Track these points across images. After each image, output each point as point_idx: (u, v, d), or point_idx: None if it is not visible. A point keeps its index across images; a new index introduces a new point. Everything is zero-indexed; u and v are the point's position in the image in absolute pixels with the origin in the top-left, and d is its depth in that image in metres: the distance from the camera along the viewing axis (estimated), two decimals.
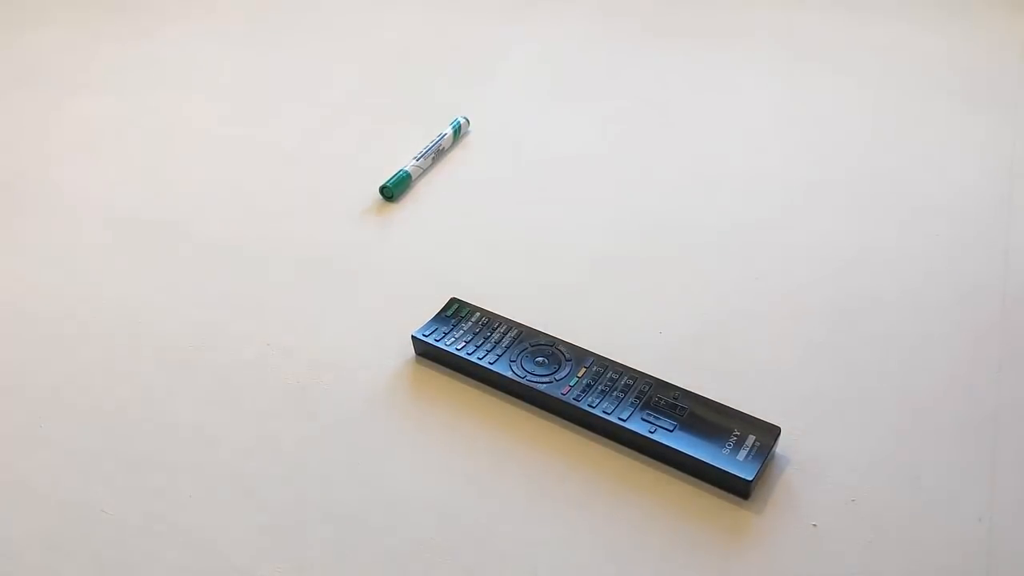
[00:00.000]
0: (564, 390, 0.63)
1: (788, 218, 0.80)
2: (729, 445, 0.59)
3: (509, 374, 0.64)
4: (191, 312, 0.73)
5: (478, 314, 0.69)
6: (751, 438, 0.59)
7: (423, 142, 0.90)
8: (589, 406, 0.61)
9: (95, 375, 0.68)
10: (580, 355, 0.65)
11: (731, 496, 0.58)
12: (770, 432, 0.59)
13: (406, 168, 0.86)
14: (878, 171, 0.85)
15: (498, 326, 0.68)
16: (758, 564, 0.54)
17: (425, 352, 0.68)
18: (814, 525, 0.56)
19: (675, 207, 0.82)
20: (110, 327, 0.72)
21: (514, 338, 0.67)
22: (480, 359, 0.65)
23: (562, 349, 0.66)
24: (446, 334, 0.67)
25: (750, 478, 0.56)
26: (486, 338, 0.67)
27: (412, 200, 0.85)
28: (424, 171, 0.88)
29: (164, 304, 0.74)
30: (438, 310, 0.70)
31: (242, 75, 1.05)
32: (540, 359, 0.65)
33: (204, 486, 0.60)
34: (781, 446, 0.60)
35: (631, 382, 0.63)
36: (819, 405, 0.64)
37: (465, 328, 0.68)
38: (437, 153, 0.89)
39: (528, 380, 0.63)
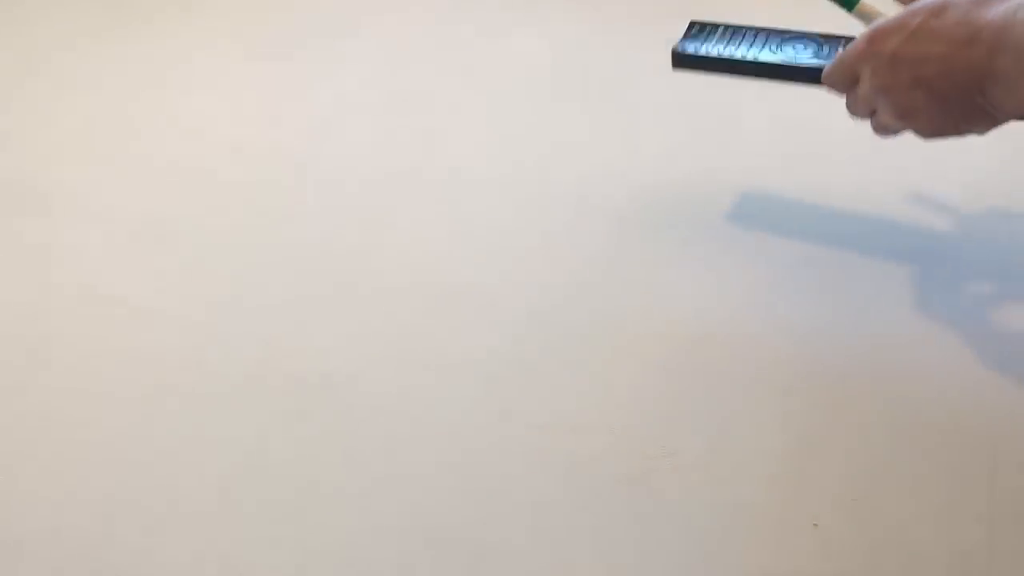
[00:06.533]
0: None
1: (786, 218, 0.80)
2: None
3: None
4: (191, 312, 0.73)
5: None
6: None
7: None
8: None
9: (96, 375, 0.68)
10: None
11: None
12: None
13: None
14: (877, 171, 0.85)
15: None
16: (758, 564, 0.55)
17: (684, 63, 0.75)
18: (815, 525, 0.56)
19: (673, 205, 0.82)
20: (111, 328, 0.72)
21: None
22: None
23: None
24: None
25: None
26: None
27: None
28: None
29: (164, 304, 0.74)
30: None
31: (242, 75, 1.05)
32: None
33: (204, 486, 0.60)
34: (781, 445, 0.60)
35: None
36: (819, 404, 0.64)
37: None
38: None
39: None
